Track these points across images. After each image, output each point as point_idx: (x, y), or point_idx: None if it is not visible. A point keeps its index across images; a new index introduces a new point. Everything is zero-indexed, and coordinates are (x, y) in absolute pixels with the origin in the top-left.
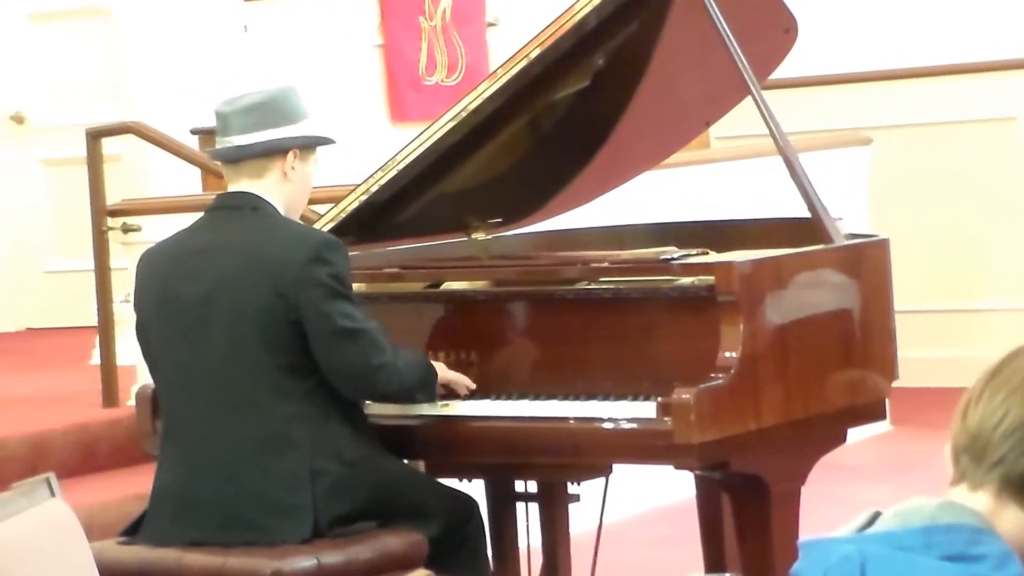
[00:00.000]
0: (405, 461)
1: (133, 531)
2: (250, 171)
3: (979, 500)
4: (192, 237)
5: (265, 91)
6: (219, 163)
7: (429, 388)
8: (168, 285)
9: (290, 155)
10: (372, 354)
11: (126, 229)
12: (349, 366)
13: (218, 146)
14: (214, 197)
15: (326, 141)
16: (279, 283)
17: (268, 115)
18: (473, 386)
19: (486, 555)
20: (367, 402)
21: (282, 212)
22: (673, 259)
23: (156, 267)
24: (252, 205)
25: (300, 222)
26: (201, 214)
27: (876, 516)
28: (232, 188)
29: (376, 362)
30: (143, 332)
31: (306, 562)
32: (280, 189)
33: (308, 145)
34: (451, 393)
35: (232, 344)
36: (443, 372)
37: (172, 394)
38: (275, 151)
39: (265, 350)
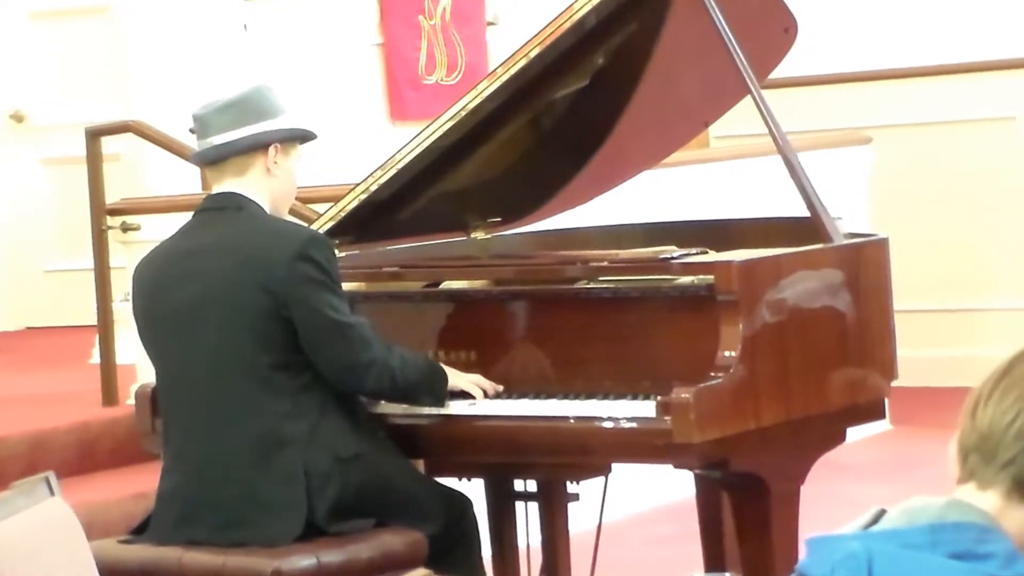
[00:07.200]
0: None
1: (140, 531)
2: (233, 170)
3: (987, 499)
4: (181, 240)
5: (240, 90)
6: (202, 166)
7: (435, 392)
8: (159, 289)
9: (271, 150)
10: (360, 349)
11: (125, 228)
12: (338, 361)
13: (198, 149)
14: (202, 199)
15: (307, 133)
16: (267, 280)
17: (245, 112)
18: (497, 388)
19: (480, 553)
20: (378, 400)
21: (268, 209)
22: (672, 258)
23: (148, 274)
24: (237, 205)
25: (286, 219)
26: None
27: (881, 514)
28: (217, 189)
29: (365, 358)
30: (143, 337)
31: (306, 561)
32: (265, 185)
33: (289, 138)
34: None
35: (224, 344)
36: (458, 379)
37: (169, 396)
38: (256, 146)
39: (257, 349)
